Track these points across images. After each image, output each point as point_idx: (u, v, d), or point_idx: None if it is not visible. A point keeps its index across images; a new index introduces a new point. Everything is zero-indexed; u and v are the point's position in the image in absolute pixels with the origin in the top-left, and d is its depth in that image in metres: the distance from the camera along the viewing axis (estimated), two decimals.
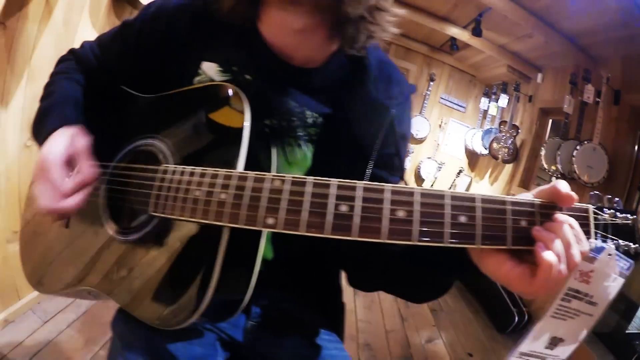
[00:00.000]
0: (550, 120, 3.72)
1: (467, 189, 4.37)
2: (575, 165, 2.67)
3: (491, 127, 4.09)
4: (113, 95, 0.80)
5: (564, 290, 0.46)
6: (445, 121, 4.69)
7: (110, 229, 0.70)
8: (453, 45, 3.84)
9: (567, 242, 0.43)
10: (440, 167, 4.58)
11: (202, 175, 0.54)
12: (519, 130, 3.77)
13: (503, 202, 0.44)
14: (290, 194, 0.47)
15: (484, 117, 4.25)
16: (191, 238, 0.58)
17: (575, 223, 0.45)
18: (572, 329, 0.48)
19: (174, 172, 0.58)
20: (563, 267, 0.43)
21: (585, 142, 2.70)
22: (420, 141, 4.70)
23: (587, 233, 0.46)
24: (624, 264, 0.46)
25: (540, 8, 2.91)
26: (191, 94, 0.68)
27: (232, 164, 0.55)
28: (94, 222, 0.72)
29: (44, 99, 0.76)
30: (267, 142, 0.68)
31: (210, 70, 0.70)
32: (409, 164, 4.68)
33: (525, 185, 3.56)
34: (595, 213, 0.47)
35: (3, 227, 1.70)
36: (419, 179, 4.62)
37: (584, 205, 0.47)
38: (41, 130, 0.68)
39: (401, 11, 0.64)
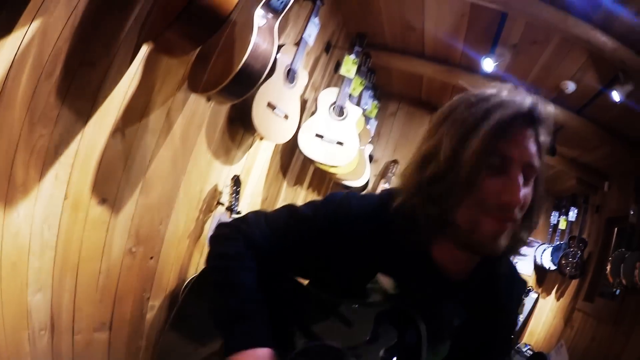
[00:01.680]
0: (616, 229, 3.55)
1: (534, 306, 3.98)
2: (637, 278, 2.47)
3: (560, 242, 3.85)
4: (283, 286, 0.86)
5: None
6: None
7: None
8: None
9: None
10: None
11: None
12: (587, 244, 3.55)
13: None
14: None
15: (554, 231, 4.02)
16: None
17: None
18: None
19: None
20: None
21: None
22: None
23: None
24: None
25: (609, 120, 2.90)
26: (380, 312, 0.75)
27: None
28: None
29: (226, 289, 0.78)
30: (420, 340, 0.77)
31: (386, 282, 0.78)
32: None
33: (589, 298, 3.25)
34: None
35: (94, 317, 1.74)
36: None
37: None
38: (234, 334, 0.73)
39: (537, 226, 0.80)
